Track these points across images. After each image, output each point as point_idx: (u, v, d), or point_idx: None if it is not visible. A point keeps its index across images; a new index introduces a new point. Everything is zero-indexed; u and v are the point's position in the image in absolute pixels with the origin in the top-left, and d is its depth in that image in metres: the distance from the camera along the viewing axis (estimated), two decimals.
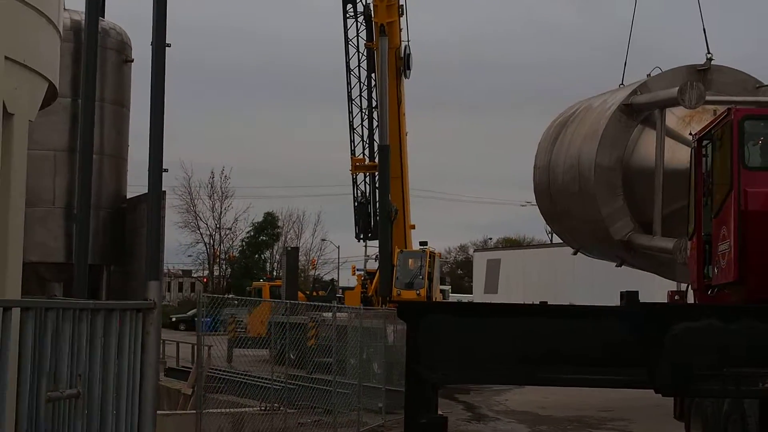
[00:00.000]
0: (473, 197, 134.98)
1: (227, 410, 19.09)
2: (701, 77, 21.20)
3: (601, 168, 21.32)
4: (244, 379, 22.66)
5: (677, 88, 19.74)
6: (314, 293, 46.67)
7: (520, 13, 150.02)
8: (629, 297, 9.32)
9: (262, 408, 19.79)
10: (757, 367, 9.15)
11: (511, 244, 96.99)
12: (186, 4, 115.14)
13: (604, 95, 24.71)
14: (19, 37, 7.41)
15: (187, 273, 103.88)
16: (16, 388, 5.03)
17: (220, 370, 22.97)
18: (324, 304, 28.53)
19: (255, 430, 18.65)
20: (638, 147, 21.36)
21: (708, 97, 19.81)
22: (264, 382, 21.70)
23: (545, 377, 9.36)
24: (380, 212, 39.03)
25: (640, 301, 9.84)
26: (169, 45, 20.41)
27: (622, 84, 25.56)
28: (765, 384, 9.41)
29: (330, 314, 29.59)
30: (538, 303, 12.91)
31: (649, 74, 22.41)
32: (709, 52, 21.66)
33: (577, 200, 23.02)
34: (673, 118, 21.05)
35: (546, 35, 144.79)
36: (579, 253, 27.44)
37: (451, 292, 64.77)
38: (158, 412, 6.44)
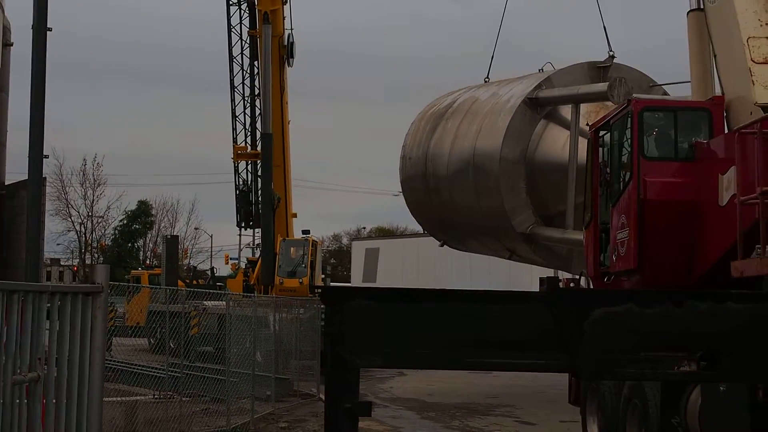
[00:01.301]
0: (345, 186, 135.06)
1: (119, 399, 18.79)
2: (601, 74, 21.54)
3: (506, 161, 21.39)
4: (131, 368, 22.33)
5: (607, 84, 19.90)
6: (194, 282, 46.21)
7: (405, 8, 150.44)
8: (549, 282, 9.45)
9: (156, 396, 19.57)
10: (673, 351, 9.39)
11: (384, 233, 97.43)
12: None
13: (490, 87, 24.87)
14: None
15: (55, 261, 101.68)
16: None
17: None
18: (218, 291, 28.24)
19: (149, 419, 18.40)
20: (542, 141, 21.54)
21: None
22: (154, 371, 21.46)
23: (471, 362, 9.47)
24: (263, 201, 38.81)
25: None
26: (50, 29, 19.92)
27: (487, 78, 25.87)
28: (679, 367, 9.68)
29: (211, 303, 29.43)
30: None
31: (541, 69, 22.73)
32: (611, 50, 21.98)
33: (469, 193, 23.15)
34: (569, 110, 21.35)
35: (431, 30, 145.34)
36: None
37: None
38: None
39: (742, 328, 9.10)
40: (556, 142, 21.00)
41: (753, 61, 14.12)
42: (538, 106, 21.67)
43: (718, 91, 15.29)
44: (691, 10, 17.46)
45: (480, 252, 27.70)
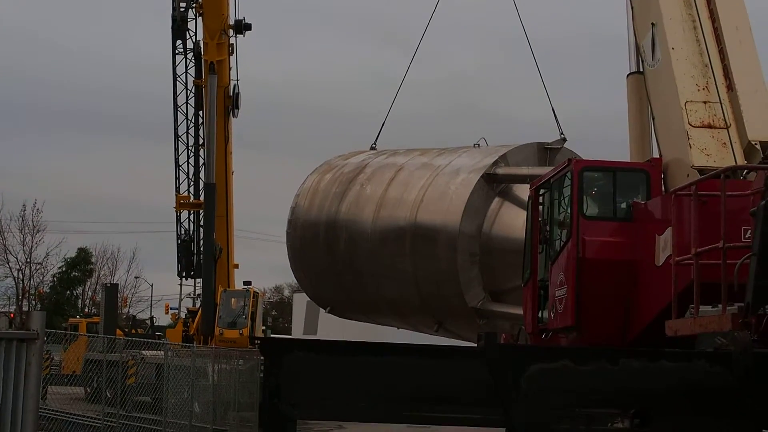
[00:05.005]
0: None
1: None
2: (547, 155, 21.55)
3: (464, 236, 21.13)
4: (67, 417, 22.04)
5: None
6: (132, 331, 45.75)
7: (357, 64, 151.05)
8: (487, 338, 9.56)
9: None
10: (607, 408, 9.51)
11: None
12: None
13: (411, 156, 24.52)
14: None
15: None
16: None
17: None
18: (156, 341, 28.00)
19: None
20: (498, 219, 21.20)
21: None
22: (89, 421, 21.21)
23: (409, 415, 9.52)
24: (204, 251, 38.64)
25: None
26: None
27: (374, 145, 26.04)
28: (614, 424, 9.79)
29: (150, 352, 29.20)
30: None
31: (477, 144, 22.79)
32: (562, 133, 22.06)
33: (401, 263, 22.68)
34: (523, 189, 21.11)
35: (385, 87, 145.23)
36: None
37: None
38: None
39: (675, 386, 9.24)
40: (514, 222, 20.60)
41: (690, 124, 14.44)
42: (495, 183, 21.44)
43: (655, 153, 15.56)
44: (630, 73, 17.85)
45: (389, 324, 27.20)
